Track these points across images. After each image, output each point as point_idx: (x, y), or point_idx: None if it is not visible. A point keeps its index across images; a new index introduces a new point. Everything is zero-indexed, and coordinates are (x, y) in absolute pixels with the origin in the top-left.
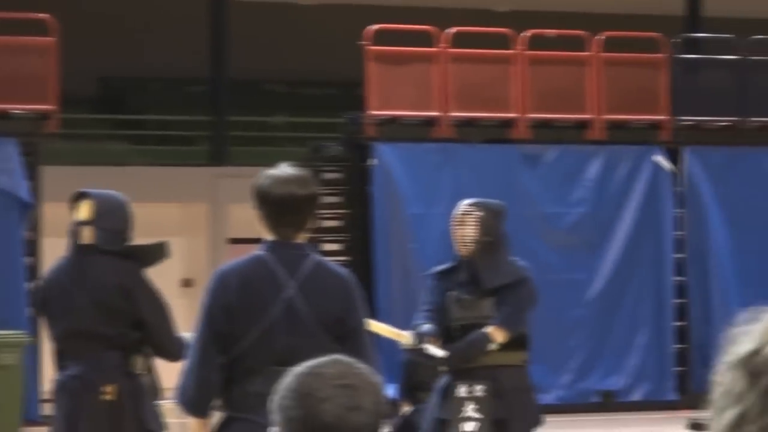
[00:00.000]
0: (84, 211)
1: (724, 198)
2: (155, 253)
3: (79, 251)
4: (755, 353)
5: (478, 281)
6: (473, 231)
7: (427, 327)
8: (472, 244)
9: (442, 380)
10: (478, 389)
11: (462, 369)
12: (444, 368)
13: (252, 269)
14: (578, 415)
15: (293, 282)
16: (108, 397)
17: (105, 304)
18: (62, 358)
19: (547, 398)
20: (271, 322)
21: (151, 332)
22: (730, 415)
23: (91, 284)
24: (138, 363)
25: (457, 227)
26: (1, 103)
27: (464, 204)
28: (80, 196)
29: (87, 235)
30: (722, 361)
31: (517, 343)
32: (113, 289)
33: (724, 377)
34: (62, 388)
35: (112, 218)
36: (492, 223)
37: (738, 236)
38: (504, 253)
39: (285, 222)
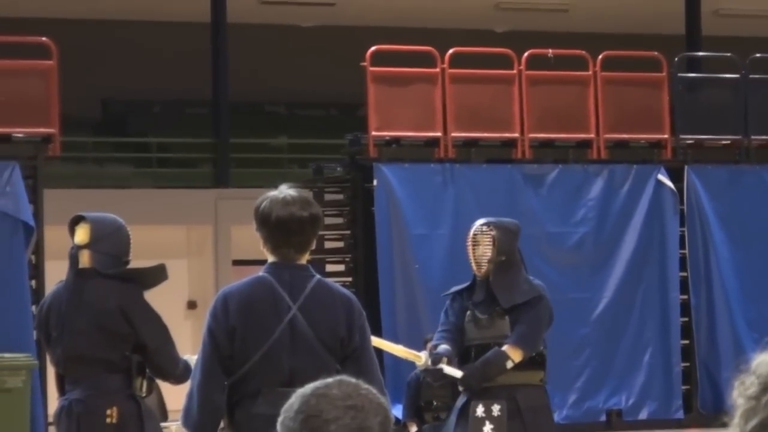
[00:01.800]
0: (81, 234)
1: (726, 216)
2: (154, 275)
3: (78, 275)
4: None
5: (495, 301)
6: (488, 250)
7: (442, 347)
8: (488, 264)
9: (460, 399)
10: (496, 409)
11: (479, 389)
12: (461, 388)
13: (254, 291)
14: None
15: (296, 303)
16: (111, 421)
17: (105, 328)
18: (64, 382)
19: (555, 417)
20: (275, 343)
21: (152, 355)
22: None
23: (91, 308)
24: (140, 385)
25: (473, 247)
26: (2, 127)
27: (479, 223)
28: (78, 220)
29: (85, 259)
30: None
31: (534, 362)
32: (113, 312)
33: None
34: (65, 412)
35: (109, 241)
36: (507, 242)
37: (741, 254)
38: (520, 272)
39: (286, 243)
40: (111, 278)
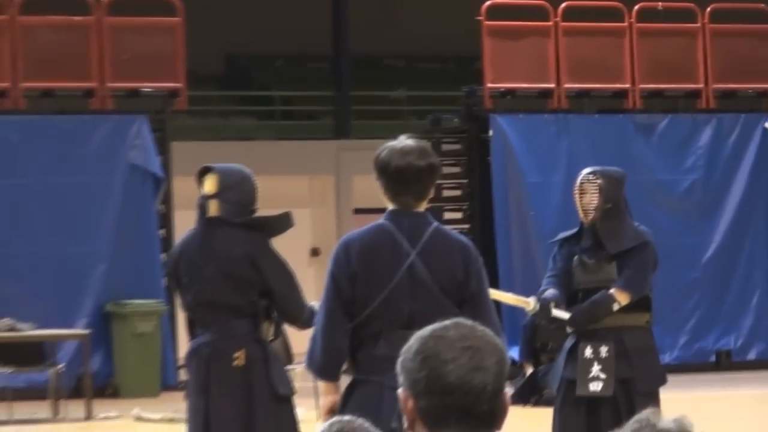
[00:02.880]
0: (210, 184)
1: None
2: (280, 223)
3: (207, 224)
4: None
5: (602, 246)
6: (595, 198)
7: (550, 292)
8: (595, 211)
9: (568, 342)
10: (603, 350)
11: (587, 330)
12: (569, 330)
13: (375, 237)
14: (695, 374)
15: (414, 249)
16: (238, 363)
17: (233, 275)
18: (194, 327)
19: (665, 358)
20: (394, 287)
21: (278, 300)
22: None
23: (219, 255)
24: (267, 330)
25: (580, 195)
26: (131, 82)
27: (585, 172)
28: (205, 171)
29: (214, 208)
30: None
31: (640, 304)
32: (240, 259)
33: None
34: (194, 355)
35: (237, 191)
36: (613, 189)
37: None
38: (625, 219)
39: (405, 192)
40: (238, 226)
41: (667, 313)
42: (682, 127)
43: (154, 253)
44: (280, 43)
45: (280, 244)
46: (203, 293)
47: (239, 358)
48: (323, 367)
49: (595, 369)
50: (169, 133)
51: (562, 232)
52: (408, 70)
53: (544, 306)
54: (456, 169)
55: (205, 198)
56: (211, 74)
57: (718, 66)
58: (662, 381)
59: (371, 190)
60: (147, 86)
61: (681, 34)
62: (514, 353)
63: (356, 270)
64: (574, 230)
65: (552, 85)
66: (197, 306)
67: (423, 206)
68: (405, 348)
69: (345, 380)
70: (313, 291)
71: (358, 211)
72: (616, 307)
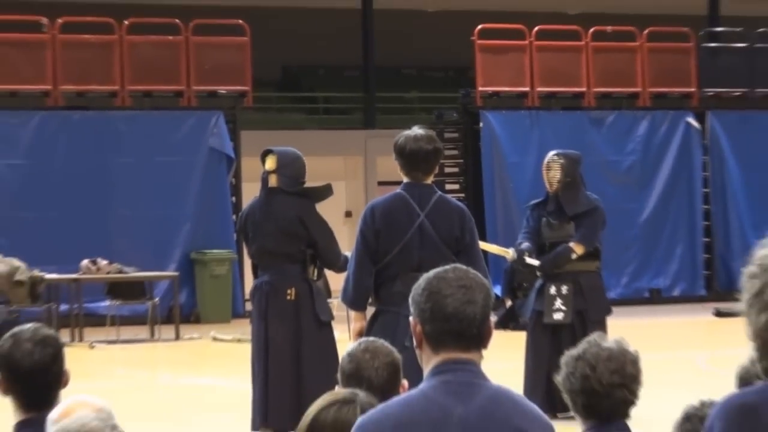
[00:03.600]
0: (270, 163)
1: (737, 148)
2: (323, 192)
3: (268, 192)
4: None
5: (563, 210)
6: (558, 174)
7: (524, 244)
8: (558, 183)
9: (537, 282)
10: (564, 289)
11: (552, 274)
12: (539, 274)
13: (393, 203)
14: (633, 307)
15: (423, 211)
16: (290, 298)
17: (287, 230)
18: (257, 269)
19: (611, 295)
20: (408, 241)
21: (321, 250)
22: (763, 317)
23: (277, 216)
24: (312, 272)
25: (546, 171)
26: (211, 86)
27: (551, 154)
28: (267, 153)
29: (273, 181)
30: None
31: (592, 254)
32: (293, 219)
33: (754, 284)
34: (257, 291)
35: (291, 167)
36: (571, 167)
37: (748, 176)
38: (581, 189)
39: (416, 168)
40: (291, 194)
41: (613, 260)
42: (625, 121)
43: (226, 214)
44: (322, 56)
45: (322, 207)
46: (264, 244)
47: (291, 293)
48: (354, 300)
49: (558, 303)
50: (238, 124)
51: (533, 200)
52: (419, 77)
53: (520, 255)
54: (455, 152)
55: (267, 173)
56: (270, 80)
57: (652, 74)
58: (608, 312)
59: (391, 167)
60: (222, 89)
61: (624, 51)
62: (497, 290)
63: (379, 227)
64: (542, 198)
65: (527, 89)
66: (260, 254)
67: (430, 179)
68: (415, 286)
69: (370, 310)
70: (346, 244)
71: (381, 183)
72: (574, 256)
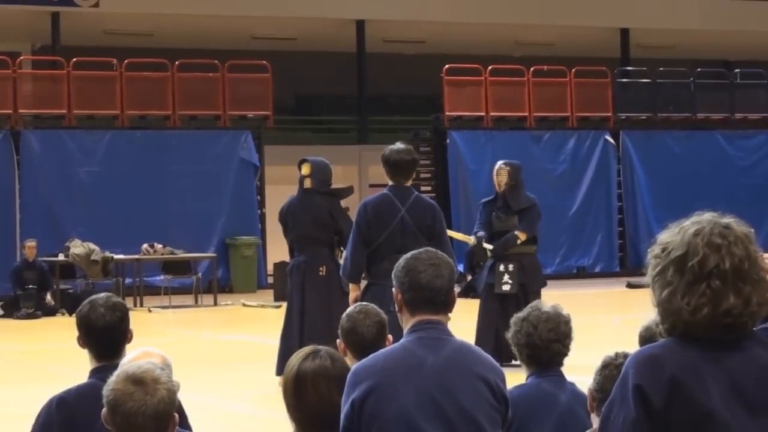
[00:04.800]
0: (306, 169)
1: (643, 160)
2: (345, 192)
3: (304, 192)
4: (683, 256)
5: (509, 206)
6: (505, 177)
7: (480, 233)
8: (505, 186)
9: (489, 261)
10: (511, 266)
11: (501, 255)
12: (491, 255)
13: (381, 200)
14: (564, 281)
15: (404, 207)
16: (322, 274)
17: (319, 221)
18: (294, 251)
19: (546, 271)
20: (392, 230)
21: (345, 237)
22: (665, 292)
23: (311, 210)
24: (338, 254)
25: (496, 176)
26: (242, 111)
27: (500, 163)
28: (303, 161)
29: (308, 183)
30: (655, 251)
31: (532, 240)
32: (324, 212)
33: (657, 262)
34: (295, 268)
35: (322, 173)
36: (516, 173)
37: (652, 182)
38: (522, 190)
39: (398, 174)
40: (322, 193)
41: (548, 244)
42: (557, 138)
43: (253, 209)
44: (327, 89)
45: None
46: (301, 232)
47: (323, 270)
48: (351, 275)
49: (506, 277)
50: (263, 140)
51: (485, 198)
52: (401, 104)
53: (478, 241)
54: (428, 162)
55: (303, 177)
56: (287, 106)
57: (578, 102)
58: (544, 284)
59: (380, 174)
60: (250, 113)
61: (557, 84)
62: (460, 267)
63: (370, 219)
64: (492, 197)
65: (483, 113)
66: (298, 239)
67: (409, 183)
68: (396, 264)
69: (363, 283)
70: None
71: (372, 185)
72: (518, 242)
